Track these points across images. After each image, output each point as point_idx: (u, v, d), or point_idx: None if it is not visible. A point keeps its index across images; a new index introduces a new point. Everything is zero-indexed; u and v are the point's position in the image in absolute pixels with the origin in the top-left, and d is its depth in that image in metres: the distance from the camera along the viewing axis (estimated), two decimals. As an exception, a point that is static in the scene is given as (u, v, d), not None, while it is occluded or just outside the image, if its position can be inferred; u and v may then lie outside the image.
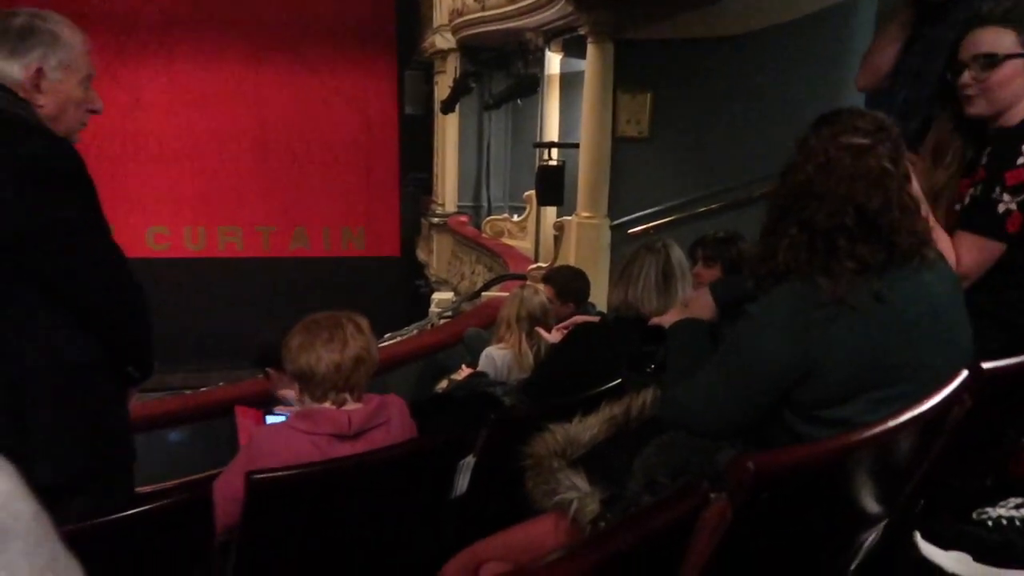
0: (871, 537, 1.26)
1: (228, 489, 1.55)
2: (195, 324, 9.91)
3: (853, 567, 1.27)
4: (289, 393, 2.29)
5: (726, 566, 0.98)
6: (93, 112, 1.65)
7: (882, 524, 1.25)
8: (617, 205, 6.26)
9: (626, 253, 2.38)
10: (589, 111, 6.24)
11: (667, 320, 1.67)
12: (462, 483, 1.91)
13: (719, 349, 1.34)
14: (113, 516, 1.26)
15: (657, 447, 1.45)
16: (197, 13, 11.12)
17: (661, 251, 2.26)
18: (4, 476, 0.48)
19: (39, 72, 1.51)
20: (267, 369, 3.18)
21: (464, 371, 3.45)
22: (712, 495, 0.95)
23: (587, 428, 1.61)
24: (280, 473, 1.49)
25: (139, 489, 1.88)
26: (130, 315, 1.63)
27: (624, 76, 6.15)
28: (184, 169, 11.44)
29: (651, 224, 6.03)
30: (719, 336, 1.50)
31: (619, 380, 2.10)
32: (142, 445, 1.86)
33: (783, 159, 1.34)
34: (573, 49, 7.66)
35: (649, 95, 6.16)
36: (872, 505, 1.19)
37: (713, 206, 5.92)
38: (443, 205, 10.78)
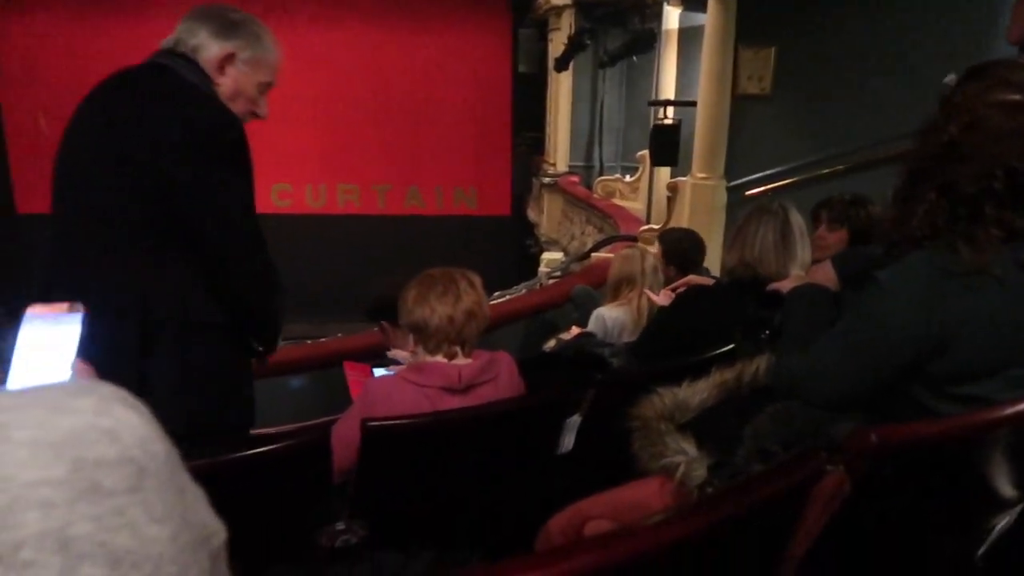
0: (1003, 521, 1.19)
1: (345, 435, 1.62)
2: (314, 278, 10.35)
3: (980, 552, 1.20)
4: (400, 354, 2.37)
5: (838, 541, 0.95)
6: (255, 116, 1.77)
7: (1017, 509, 1.17)
8: (734, 166, 6.04)
9: (741, 215, 2.30)
10: (708, 67, 6.01)
11: (785, 286, 1.61)
12: (568, 441, 1.92)
13: (843, 317, 1.28)
14: (240, 454, 1.34)
15: (770, 415, 1.41)
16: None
17: (779, 212, 2.17)
18: (141, 418, 0.50)
19: (230, 56, 1.66)
20: (381, 322, 3.29)
21: (573, 330, 3.45)
22: (828, 467, 0.91)
23: (696, 392, 1.58)
24: (393, 422, 1.55)
25: (263, 431, 2.00)
26: (262, 286, 1.70)
27: (747, 30, 5.87)
28: (306, 128, 11.86)
29: (770, 186, 5.78)
30: (841, 306, 1.43)
31: (731, 346, 2.05)
32: (266, 390, 1.97)
33: (919, 118, 1.25)
34: (692, 2, 7.37)
35: (773, 50, 5.86)
36: (1007, 488, 1.11)
37: (838, 168, 5.60)
38: (554, 165, 10.73)
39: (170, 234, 1.57)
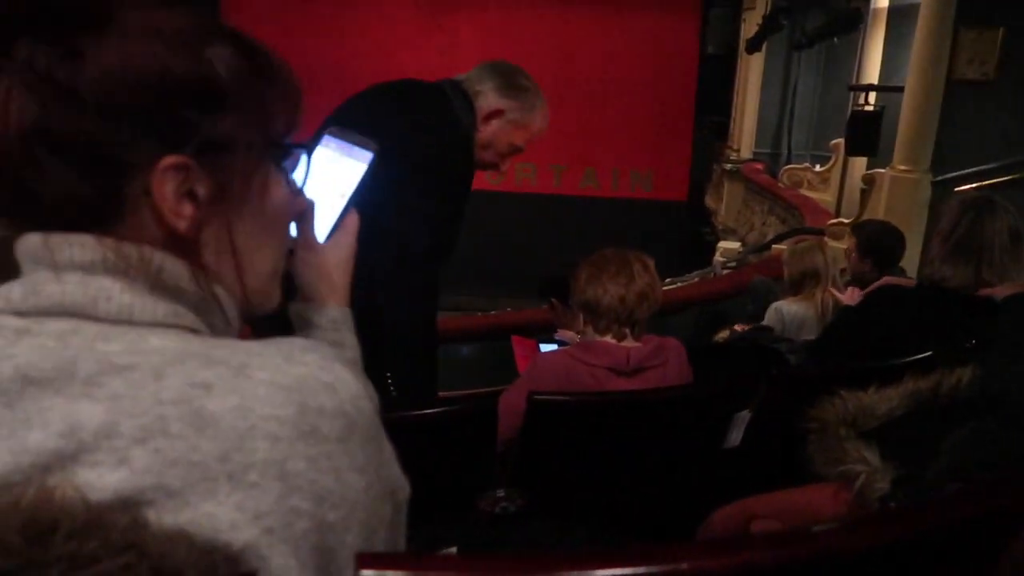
0: None
1: (511, 405, 1.66)
2: (488, 253, 10.63)
3: None
4: (567, 334, 2.38)
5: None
6: (495, 169, 1.90)
7: None
8: (943, 159, 5.50)
9: (947, 208, 2.05)
10: (921, 50, 5.49)
11: (999, 292, 1.45)
12: (735, 436, 1.86)
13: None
14: (417, 412, 1.41)
15: (974, 432, 1.27)
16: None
17: (1008, 209, 1.91)
18: (355, 377, 0.55)
19: (499, 112, 1.82)
20: (551, 300, 3.33)
21: (747, 323, 3.32)
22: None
23: (885, 399, 1.47)
24: (559, 397, 1.56)
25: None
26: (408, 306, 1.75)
27: (969, 9, 5.29)
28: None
29: (985, 183, 5.22)
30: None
31: (927, 353, 1.88)
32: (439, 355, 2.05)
33: None
34: (907, -22, 6.76)
35: (1000, 31, 5.26)
36: None
37: (1070, 165, 4.96)
38: (738, 151, 10.29)
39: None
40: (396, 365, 1.72)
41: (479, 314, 5.22)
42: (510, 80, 1.82)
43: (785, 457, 1.54)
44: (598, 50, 11.83)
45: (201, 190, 0.57)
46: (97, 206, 0.55)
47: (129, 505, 0.47)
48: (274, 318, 0.72)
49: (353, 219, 0.79)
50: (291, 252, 0.74)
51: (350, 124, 1.71)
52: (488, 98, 1.80)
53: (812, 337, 2.80)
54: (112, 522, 0.46)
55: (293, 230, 0.73)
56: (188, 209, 0.56)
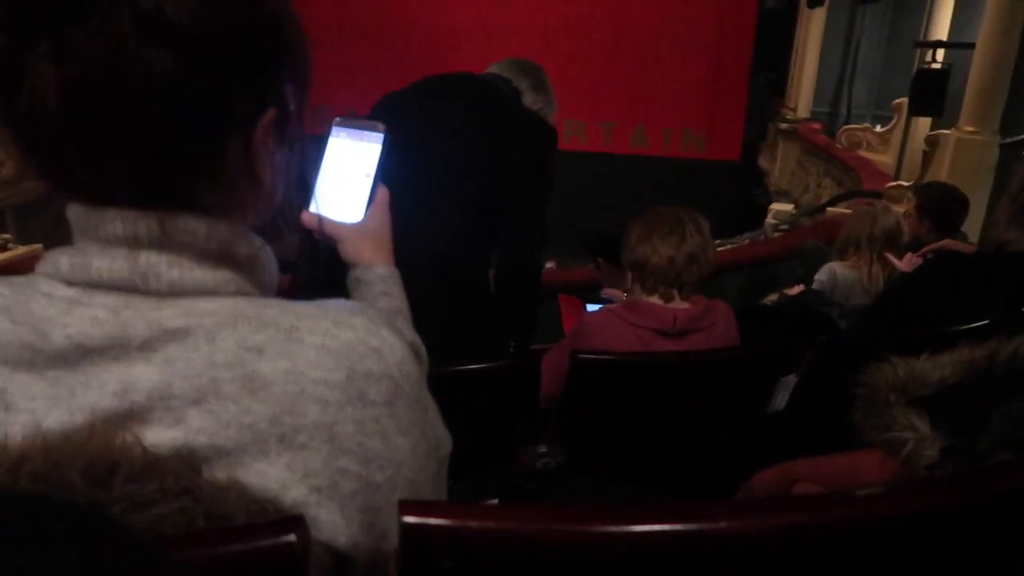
0: None
1: (556, 364, 1.67)
2: (536, 211, 10.57)
3: None
4: (614, 292, 2.37)
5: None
6: None
7: None
8: (1014, 121, 5.26)
9: (1016, 178, 1.97)
10: (994, 4, 5.22)
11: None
12: (780, 400, 1.84)
13: None
14: (462, 368, 1.43)
15: (1029, 402, 1.24)
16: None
17: None
18: (400, 341, 0.56)
19: (536, 109, 2.00)
20: (598, 259, 3.31)
21: (797, 287, 3.25)
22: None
23: (937, 367, 1.43)
24: (603, 356, 1.57)
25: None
26: (535, 264, 1.95)
27: (1049, -40, 5.00)
28: (538, 62, 12.00)
29: (1058, 146, 4.99)
30: None
31: (984, 322, 1.82)
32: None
33: None
34: (985, -72, 6.39)
35: (1082, -16, 4.97)
36: None
37: None
38: (794, 110, 9.98)
39: (484, 208, 1.84)
40: (520, 335, 1.94)
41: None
42: (539, 79, 2.00)
43: (831, 423, 1.51)
44: (650, 3, 11.52)
45: (271, 143, 0.57)
46: (196, 163, 0.53)
47: (184, 459, 0.49)
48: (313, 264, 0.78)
49: (384, 193, 0.86)
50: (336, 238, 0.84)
51: (439, 122, 1.86)
52: (527, 96, 1.95)
53: (859, 302, 2.73)
54: (169, 469, 0.48)
55: (333, 212, 0.83)
56: (270, 162, 0.57)
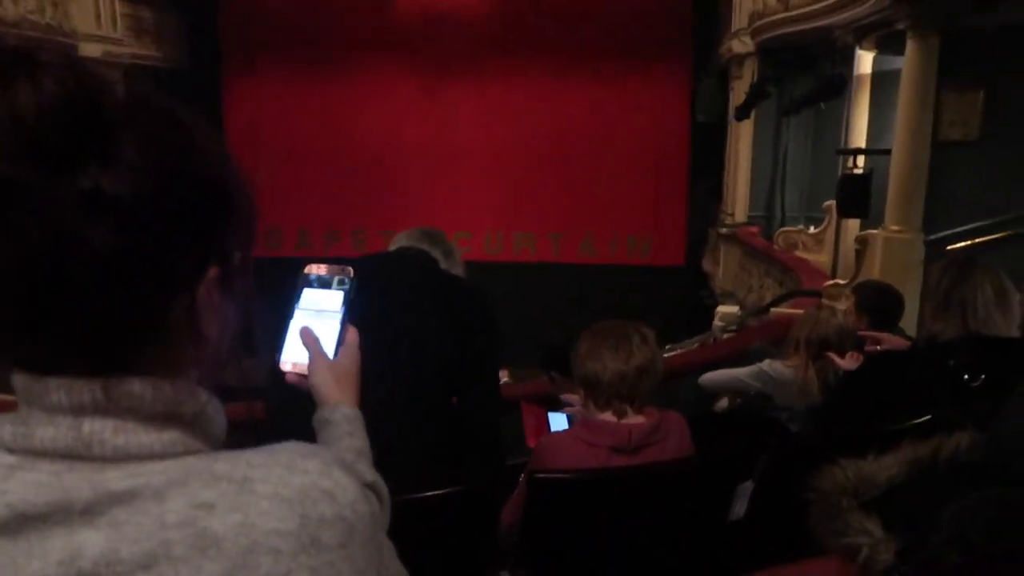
0: None
1: (516, 512, 1.65)
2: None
3: None
4: (572, 398, 2.38)
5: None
6: None
7: None
8: (933, 218, 5.58)
9: (934, 273, 2.13)
10: (905, 113, 5.64)
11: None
12: (740, 508, 1.84)
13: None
14: (416, 496, 1.41)
15: (979, 500, 1.27)
16: (507, 35, 11.96)
17: (988, 267, 2.00)
18: (353, 482, 0.56)
19: None
20: (551, 373, 3.33)
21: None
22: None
23: (884, 467, 1.45)
24: (558, 476, 1.56)
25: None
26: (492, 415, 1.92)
27: (951, 72, 5.46)
28: (488, 178, 12.34)
29: (976, 240, 5.29)
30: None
31: (926, 417, 1.88)
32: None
33: None
34: (888, 45, 6.97)
35: (981, 93, 5.42)
36: None
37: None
38: (732, 215, 10.41)
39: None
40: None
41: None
42: (447, 245, 2.11)
43: (790, 530, 1.52)
44: (593, 121, 12.09)
45: (215, 298, 0.58)
46: (139, 329, 0.53)
47: None
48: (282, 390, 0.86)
49: (353, 335, 0.90)
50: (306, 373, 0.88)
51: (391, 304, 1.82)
52: (442, 263, 2.04)
53: (789, 402, 2.76)
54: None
55: (305, 355, 0.87)
56: (215, 317, 0.58)
